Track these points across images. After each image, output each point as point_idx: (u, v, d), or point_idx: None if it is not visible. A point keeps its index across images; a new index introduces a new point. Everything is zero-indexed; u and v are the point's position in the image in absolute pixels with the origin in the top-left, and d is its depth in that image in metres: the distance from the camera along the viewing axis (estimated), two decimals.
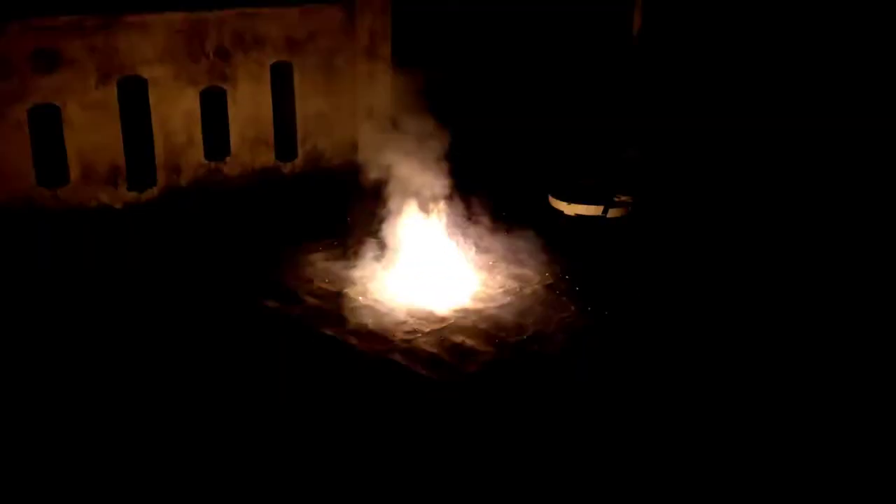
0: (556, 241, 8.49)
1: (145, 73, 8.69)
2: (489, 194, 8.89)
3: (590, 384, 5.91)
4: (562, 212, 9.15)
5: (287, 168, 10.05)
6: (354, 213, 8.85)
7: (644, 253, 8.27)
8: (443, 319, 6.95)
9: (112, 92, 8.50)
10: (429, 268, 7.68)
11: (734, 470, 4.97)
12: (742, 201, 9.08)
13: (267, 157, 9.83)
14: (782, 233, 8.50)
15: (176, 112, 8.99)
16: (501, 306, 7.21)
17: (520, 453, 5.14)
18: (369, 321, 6.88)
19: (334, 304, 7.22)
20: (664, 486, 4.83)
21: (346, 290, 7.48)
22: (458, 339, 6.65)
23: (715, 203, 9.15)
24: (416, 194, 8.09)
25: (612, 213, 9.00)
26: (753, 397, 5.75)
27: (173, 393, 5.79)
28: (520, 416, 5.54)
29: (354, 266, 7.92)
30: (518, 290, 7.50)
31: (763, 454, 5.11)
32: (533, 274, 7.82)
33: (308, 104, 9.96)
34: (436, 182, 8.10)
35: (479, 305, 7.25)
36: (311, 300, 7.34)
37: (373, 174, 8.38)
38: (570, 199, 9.12)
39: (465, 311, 7.14)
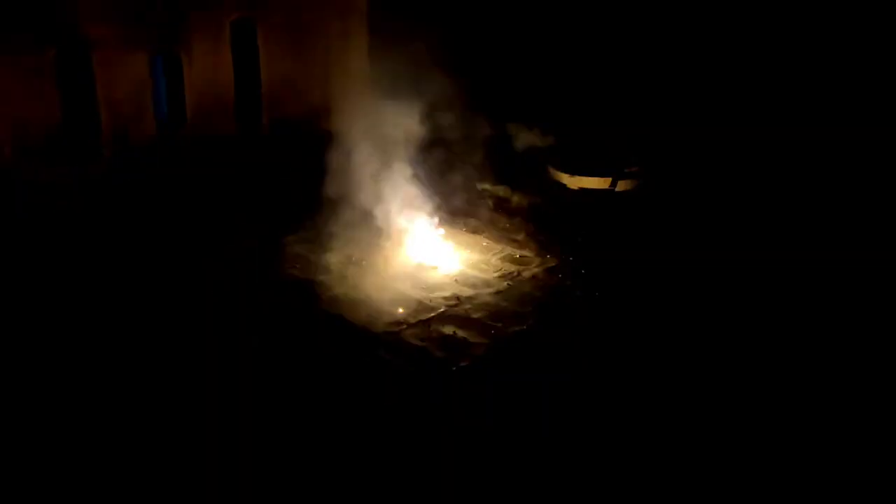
0: (559, 217, 7.93)
1: (88, 34, 7.83)
2: (479, 167, 8.27)
3: None
4: (564, 185, 8.43)
5: (252, 138, 9.14)
6: (327, 191, 7.78)
7: (654, 230, 7.64)
8: (431, 309, 6.33)
9: (50, 56, 7.69)
10: (414, 251, 7.17)
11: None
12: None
13: (229, 127, 8.92)
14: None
15: (123, 79, 8.10)
16: (498, 292, 6.61)
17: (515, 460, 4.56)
18: (346, 312, 6.23)
19: (307, 293, 6.56)
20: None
21: (320, 278, 6.79)
22: (448, 330, 6.03)
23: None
24: (397, 170, 7.50)
25: (621, 185, 8.25)
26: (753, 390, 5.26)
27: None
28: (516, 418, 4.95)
29: (329, 250, 7.20)
30: (517, 274, 6.91)
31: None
32: (532, 255, 7.22)
33: (274, 67, 9.03)
34: (417, 156, 7.54)
35: (472, 292, 6.60)
36: (280, 289, 6.65)
37: (348, 144, 7.67)
38: (574, 171, 8.36)
39: (458, 298, 6.52)
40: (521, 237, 7.51)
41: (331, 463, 4.56)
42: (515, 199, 8.24)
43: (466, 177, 8.02)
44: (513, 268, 6.97)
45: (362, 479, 4.42)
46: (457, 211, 7.71)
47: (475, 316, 6.21)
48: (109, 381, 5.28)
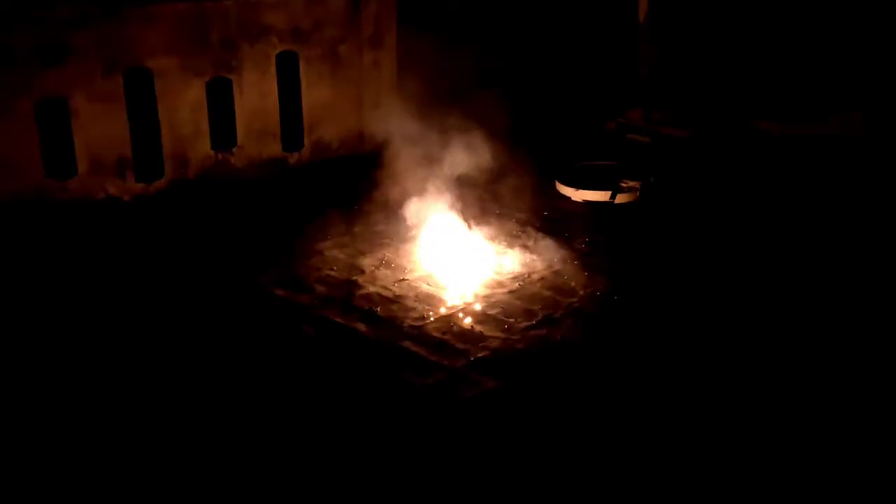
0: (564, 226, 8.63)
1: (151, 64, 8.79)
2: (494, 182, 9.04)
3: None
4: (569, 197, 9.16)
5: (293, 158, 10.12)
6: (361, 203, 8.95)
7: (652, 237, 8.34)
8: (452, 307, 7.06)
9: (118, 83, 8.63)
10: (437, 256, 7.84)
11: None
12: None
13: (274, 148, 9.88)
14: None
15: (182, 103, 9.06)
16: (511, 292, 7.29)
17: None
18: (378, 308, 7.01)
19: (342, 292, 7.32)
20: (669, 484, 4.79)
21: (354, 278, 7.58)
22: (468, 324, 6.77)
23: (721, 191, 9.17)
24: (422, 183, 8.35)
25: (619, 198, 9.02)
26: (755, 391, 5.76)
27: (177, 387, 5.85)
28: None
29: (362, 254, 8.02)
30: (527, 275, 7.57)
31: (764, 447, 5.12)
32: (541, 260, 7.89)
33: (313, 94, 10.00)
34: (440, 172, 8.32)
35: (487, 292, 7.32)
36: (319, 288, 7.42)
37: (379, 163, 8.68)
38: (578, 185, 9.08)
39: (476, 296, 7.26)
40: (529, 243, 8.15)
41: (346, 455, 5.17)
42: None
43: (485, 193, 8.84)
44: (524, 271, 7.64)
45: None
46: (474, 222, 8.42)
47: (490, 313, 6.86)
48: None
